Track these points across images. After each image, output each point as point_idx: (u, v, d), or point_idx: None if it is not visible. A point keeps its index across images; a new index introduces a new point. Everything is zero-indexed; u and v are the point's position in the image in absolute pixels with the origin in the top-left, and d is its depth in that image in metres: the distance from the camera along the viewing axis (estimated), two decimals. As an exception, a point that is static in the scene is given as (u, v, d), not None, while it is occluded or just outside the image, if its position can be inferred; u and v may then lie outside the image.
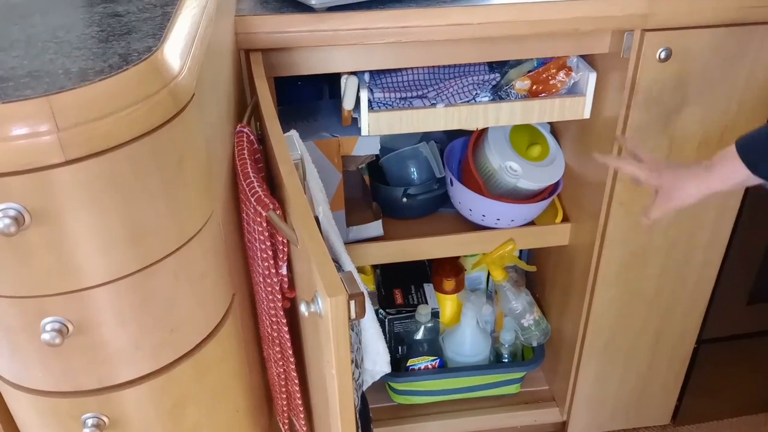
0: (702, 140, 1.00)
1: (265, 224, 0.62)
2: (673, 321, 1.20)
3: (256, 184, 0.62)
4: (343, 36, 0.85)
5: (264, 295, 0.68)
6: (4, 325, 0.51)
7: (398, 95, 0.98)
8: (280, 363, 0.71)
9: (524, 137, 1.11)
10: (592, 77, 0.98)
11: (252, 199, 0.62)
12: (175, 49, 0.52)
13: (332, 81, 1.11)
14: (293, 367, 0.70)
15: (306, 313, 0.51)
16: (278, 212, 0.61)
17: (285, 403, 0.77)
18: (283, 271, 0.64)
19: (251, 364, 0.78)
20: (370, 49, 0.90)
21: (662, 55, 0.91)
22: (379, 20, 0.85)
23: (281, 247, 0.63)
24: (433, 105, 0.97)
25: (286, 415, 0.79)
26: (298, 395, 0.72)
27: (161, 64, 0.49)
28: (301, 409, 0.74)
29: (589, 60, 1.01)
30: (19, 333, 0.51)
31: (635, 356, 1.23)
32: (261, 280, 0.67)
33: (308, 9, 0.85)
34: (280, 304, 0.65)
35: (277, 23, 0.84)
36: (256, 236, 0.64)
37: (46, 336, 0.49)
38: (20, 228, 0.45)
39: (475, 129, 1.13)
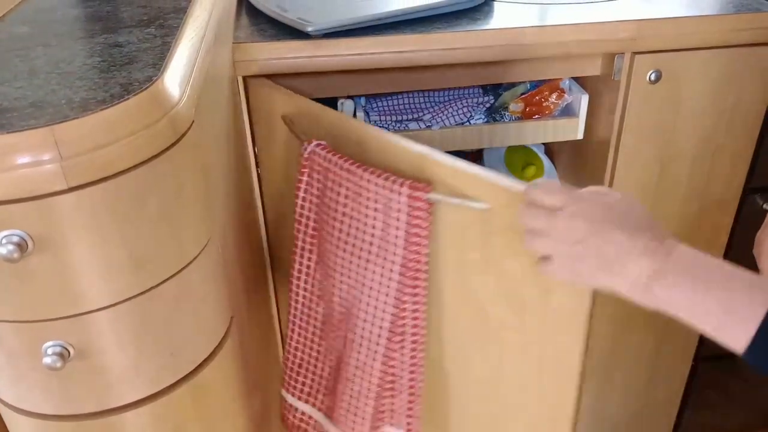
0: (693, 160, 1.01)
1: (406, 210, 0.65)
2: (671, 339, 1.20)
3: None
4: (339, 62, 0.87)
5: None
6: (6, 349, 0.52)
7: (394, 118, 0.99)
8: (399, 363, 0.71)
9: (519, 158, 1.13)
10: (585, 99, 1.00)
11: (398, 186, 0.65)
12: (175, 78, 0.53)
13: (329, 105, 1.13)
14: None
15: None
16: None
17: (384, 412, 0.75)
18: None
19: (251, 388, 0.78)
20: (366, 74, 0.91)
21: (652, 77, 0.93)
22: (374, 46, 0.87)
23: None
24: (429, 127, 0.99)
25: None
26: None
27: (161, 93, 0.50)
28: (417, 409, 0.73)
29: (581, 82, 1.03)
30: (20, 357, 0.52)
31: (634, 374, 1.24)
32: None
33: (305, 36, 0.87)
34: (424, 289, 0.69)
35: (275, 50, 0.86)
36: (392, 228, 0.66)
37: (47, 360, 0.50)
38: (23, 254, 0.46)
39: (471, 151, 1.15)
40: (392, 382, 0.73)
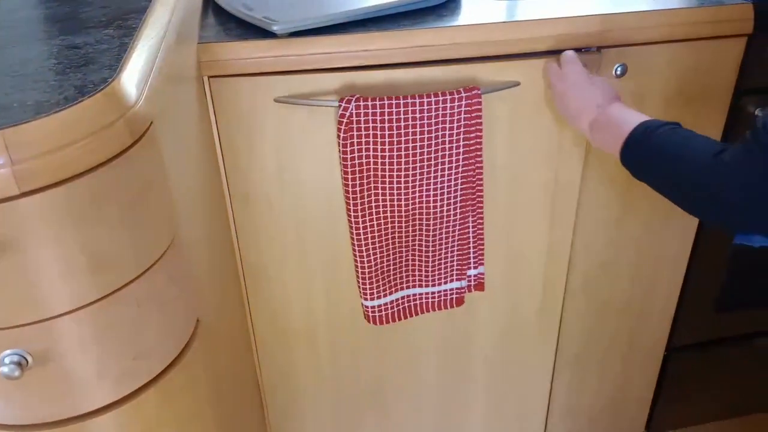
0: (661, 153, 1.02)
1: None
2: (642, 330, 1.22)
3: None
4: (306, 61, 0.87)
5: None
6: (-37, 359, 0.51)
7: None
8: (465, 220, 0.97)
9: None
10: (553, 94, 1.01)
11: (455, 94, 0.88)
12: (132, 79, 0.53)
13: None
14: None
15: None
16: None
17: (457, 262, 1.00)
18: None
19: (222, 390, 0.78)
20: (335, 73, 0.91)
21: (618, 71, 0.94)
22: (342, 44, 0.86)
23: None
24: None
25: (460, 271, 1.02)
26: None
27: (117, 95, 0.50)
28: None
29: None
30: (-22, 367, 0.51)
31: (607, 366, 1.25)
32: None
33: (271, 35, 0.86)
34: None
35: (241, 50, 0.85)
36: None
37: (4, 369, 0.49)
38: (-23, 261, 0.45)
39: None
40: (465, 234, 0.99)
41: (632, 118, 0.75)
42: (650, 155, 0.72)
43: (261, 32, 0.87)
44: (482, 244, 1.01)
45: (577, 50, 0.91)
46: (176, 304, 0.60)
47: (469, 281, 1.03)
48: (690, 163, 0.66)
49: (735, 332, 1.25)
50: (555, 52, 0.91)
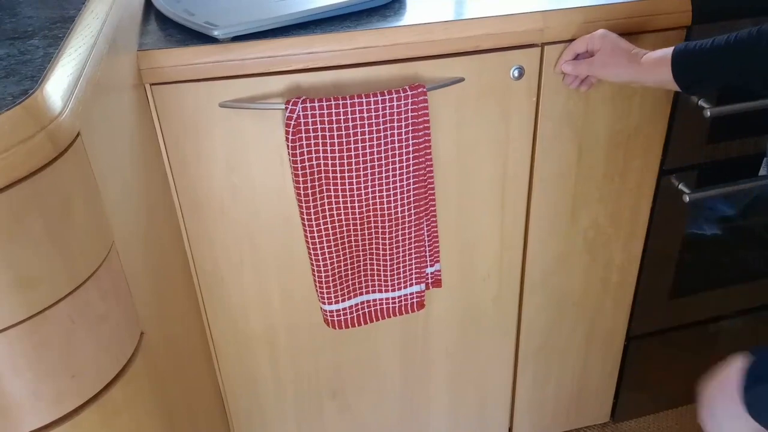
0: (609, 143, 1.04)
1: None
2: (601, 321, 1.23)
3: None
4: (249, 65, 0.86)
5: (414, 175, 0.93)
6: None
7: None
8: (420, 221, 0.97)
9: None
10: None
11: (401, 92, 0.87)
12: (55, 90, 0.51)
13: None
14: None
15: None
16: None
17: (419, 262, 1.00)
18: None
19: (174, 403, 0.76)
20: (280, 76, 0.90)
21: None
22: (284, 47, 0.86)
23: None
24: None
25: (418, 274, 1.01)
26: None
27: (37, 107, 0.48)
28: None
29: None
30: None
31: (569, 358, 1.26)
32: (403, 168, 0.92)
33: (213, 40, 0.85)
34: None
35: (182, 56, 0.84)
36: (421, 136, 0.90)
37: (-71, 394, 0.47)
38: None
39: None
40: (420, 234, 0.98)
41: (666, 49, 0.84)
42: (700, 57, 0.80)
43: (203, 38, 0.86)
44: (437, 242, 1.01)
45: (521, 47, 0.92)
46: (115, 319, 0.59)
47: (427, 279, 1.04)
48: (740, 44, 0.77)
49: (691, 318, 1.27)
50: (498, 50, 0.92)
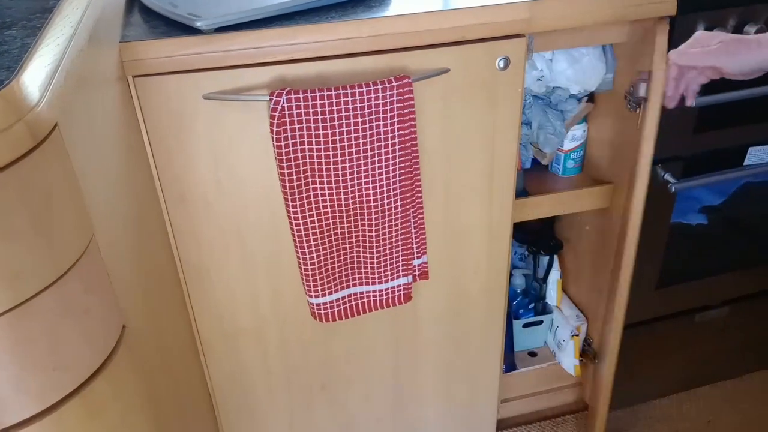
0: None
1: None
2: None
3: None
4: (233, 56, 0.85)
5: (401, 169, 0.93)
6: None
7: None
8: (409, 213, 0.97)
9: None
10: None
11: (386, 83, 0.87)
12: (32, 81, 0.51)
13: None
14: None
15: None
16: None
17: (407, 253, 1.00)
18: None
19: (160, 396, 0.76)
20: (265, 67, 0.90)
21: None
22: (267, 39, 0.85)
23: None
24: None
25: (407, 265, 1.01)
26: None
27: (14, 97, 0.48)
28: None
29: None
30: None
31: (557, 349, 1.27)
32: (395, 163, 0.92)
33: (196, 32, 0.85)
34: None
35: (164, 48, 0.84)
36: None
37: None
38: None
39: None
40: (407, 226, 0.98)
41: None
42: None
43: (186, 29, 0.86)
44: (424, 234, 1.01)
45: (507, 37, 0.92)
46: (97, 311, 0.58)
47: (414, 271, 1.04)
48: None
49: (677, 308, 1.28)
50: (483, 41, 0.92)
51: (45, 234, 0.51)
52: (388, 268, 1.00)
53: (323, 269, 0.97)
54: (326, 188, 0.91)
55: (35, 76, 0.52)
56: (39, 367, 0.54)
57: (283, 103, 0.84)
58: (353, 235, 0.96)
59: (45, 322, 0.53)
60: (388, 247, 0.98)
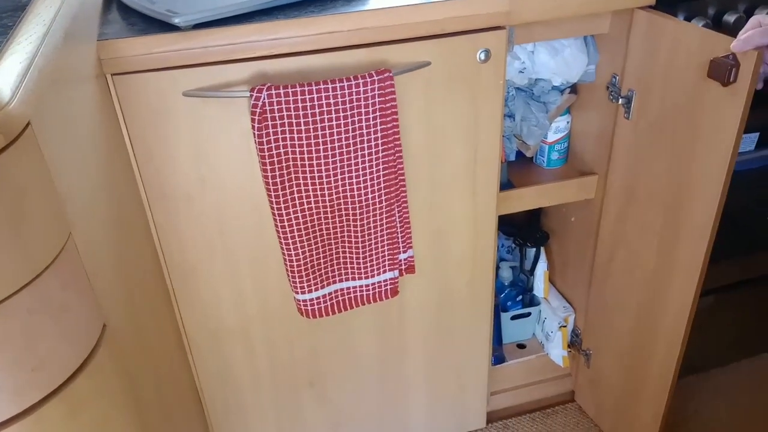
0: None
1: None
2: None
3: None
4: (212, 52, 0.85)
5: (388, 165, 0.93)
6: None
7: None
8: (397, 206, 0.98)
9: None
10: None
11: (367, 77, 0.87)
12: (4, 79, 0.50)
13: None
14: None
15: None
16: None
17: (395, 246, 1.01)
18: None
19: (145, 394, 0.76)
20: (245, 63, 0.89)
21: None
22: (247, 34, 0.85)
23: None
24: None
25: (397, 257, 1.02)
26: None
27: (-16, 96, 0.47)
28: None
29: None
30: None
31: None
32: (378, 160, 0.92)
33: (174, 29, 0.84)
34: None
35: (143, 45, 0.83)
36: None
37: None
38: None
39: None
40: (392, 221, 0.98)
41: None
42: None
43: (165, 26, 0.85)
44: (409, 228, 1.01)
45: (488, 29, 0.92)
46: (76, 310, 0.58)
47: (400, 266, 1.04)
48: None
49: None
50: (464, 33, 0.91)
51: (19, 233, 0.51)
52: (374, 262, 1.00)
53: (309, 265, 0.97)
54: (309, 184, 0.91)
55: (6, 74, 0.51)
56: (17, 367, 0.53)
57: (264, 98, 0.84)
58: (338, 230, 0.96)
59: (21, 322, 0.53)
60: (373, 241, 0.98)
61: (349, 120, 0.88)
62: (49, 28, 0.63)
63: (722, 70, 0.83)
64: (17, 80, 0.52)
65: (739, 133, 0.84)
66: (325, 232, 0.96)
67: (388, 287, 1.03)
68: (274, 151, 0.87)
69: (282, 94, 0.84)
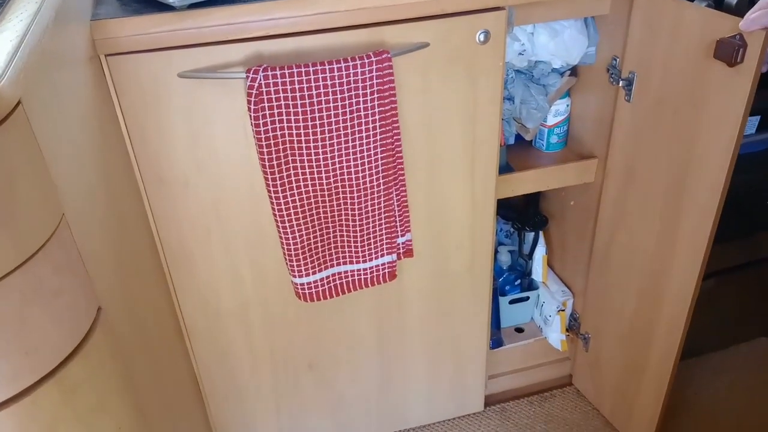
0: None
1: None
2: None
3: None
4: (207, 33, 0.84)
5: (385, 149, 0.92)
6: None
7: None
8: (394, 190, 0.97)
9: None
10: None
11: (365, 58, 0.86)
12: (-7, 58, 0.49)
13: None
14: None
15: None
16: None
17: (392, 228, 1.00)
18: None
19: (141, 377, 0.76)
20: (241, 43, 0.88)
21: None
22: (242, 14, 0.84)
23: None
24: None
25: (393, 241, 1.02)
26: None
27: (-28, 75, 0.46)
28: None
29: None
30: None
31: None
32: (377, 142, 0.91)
33: (169, 8, 0.83)
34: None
35: (137, 25, 0.82)
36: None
37: None
38: None
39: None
40: (390, 204, 0.97)
41: None
42: None
43: (159, 6, 0.84)
44: (407, 211, 1.00)
45: (487, 10, 0.90)
46: (70, 293, 0.57)
47: (398, 249, 1.03)
48: None
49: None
50: (463, 14, 0.90)
51: (9, 214, 0.50)
52: (372, 246, 0.99)
53: (306, 248, 0.96)
54: (306, 166, 0.90)
55: (-5, 53, 0.50)
56: (9, 351, 0.53)
57: (260, 80, 0.83)
58: (336, 213, 0.96)
59: (13, 306, 0.52)
60: (371, 225, 0.97)
61: (347, 102, 0.87)
62: (40, 6, 0.62)
63: (729, 51, 0.81)
64: (7, 59, 0.51)
65: (745, 114, 0.83)
66: (322, 215, 0.95)
67: (386, 271, 1.02)
68: (271, 134, 0.86)
69: (278, 76, 0.83)
